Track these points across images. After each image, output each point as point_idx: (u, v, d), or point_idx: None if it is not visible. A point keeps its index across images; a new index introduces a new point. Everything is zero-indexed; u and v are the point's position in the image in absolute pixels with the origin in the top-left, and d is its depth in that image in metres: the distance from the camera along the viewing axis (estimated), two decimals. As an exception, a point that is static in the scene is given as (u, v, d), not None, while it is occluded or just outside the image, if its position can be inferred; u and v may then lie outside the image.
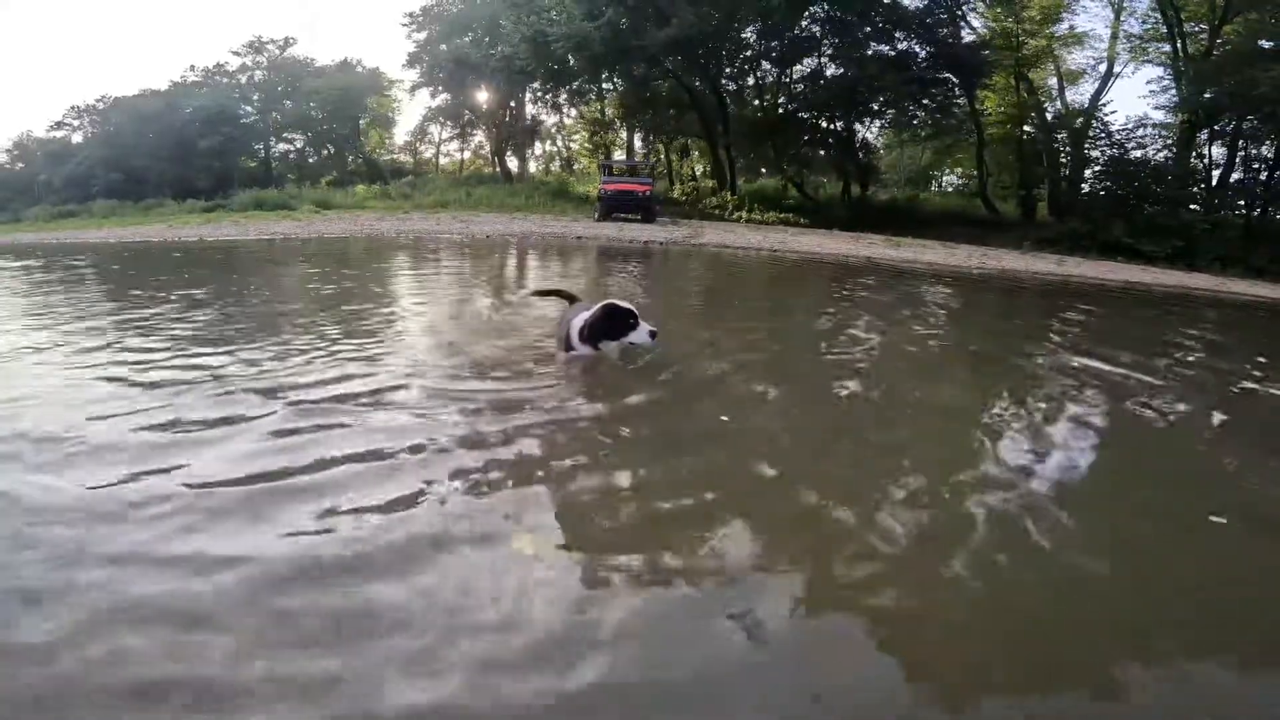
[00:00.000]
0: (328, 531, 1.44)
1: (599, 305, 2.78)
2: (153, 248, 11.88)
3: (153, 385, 2.47)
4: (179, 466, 1.72)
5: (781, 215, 20.09)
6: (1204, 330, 6.35)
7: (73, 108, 31.31)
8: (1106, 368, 3.58)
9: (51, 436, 1.89)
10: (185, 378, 2.59)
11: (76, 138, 30.84)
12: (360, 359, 2.91)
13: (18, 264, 7.97)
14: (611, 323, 2.73)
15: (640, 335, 2.72)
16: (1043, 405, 2.78)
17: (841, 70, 19.94)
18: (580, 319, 2.79)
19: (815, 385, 2.92)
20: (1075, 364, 3.66)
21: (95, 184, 26.78)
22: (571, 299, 3.40)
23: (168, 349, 3.09)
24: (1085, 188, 21.29)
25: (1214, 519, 1.74)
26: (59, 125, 31.08)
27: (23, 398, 2.28)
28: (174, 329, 3.58)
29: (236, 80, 30.94)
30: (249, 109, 29.98)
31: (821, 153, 22.68)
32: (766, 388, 2.74)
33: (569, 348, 2.82)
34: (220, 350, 3.05)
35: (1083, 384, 3.20)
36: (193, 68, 30.91)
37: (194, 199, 23.97)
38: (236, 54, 31.16)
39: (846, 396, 2.73)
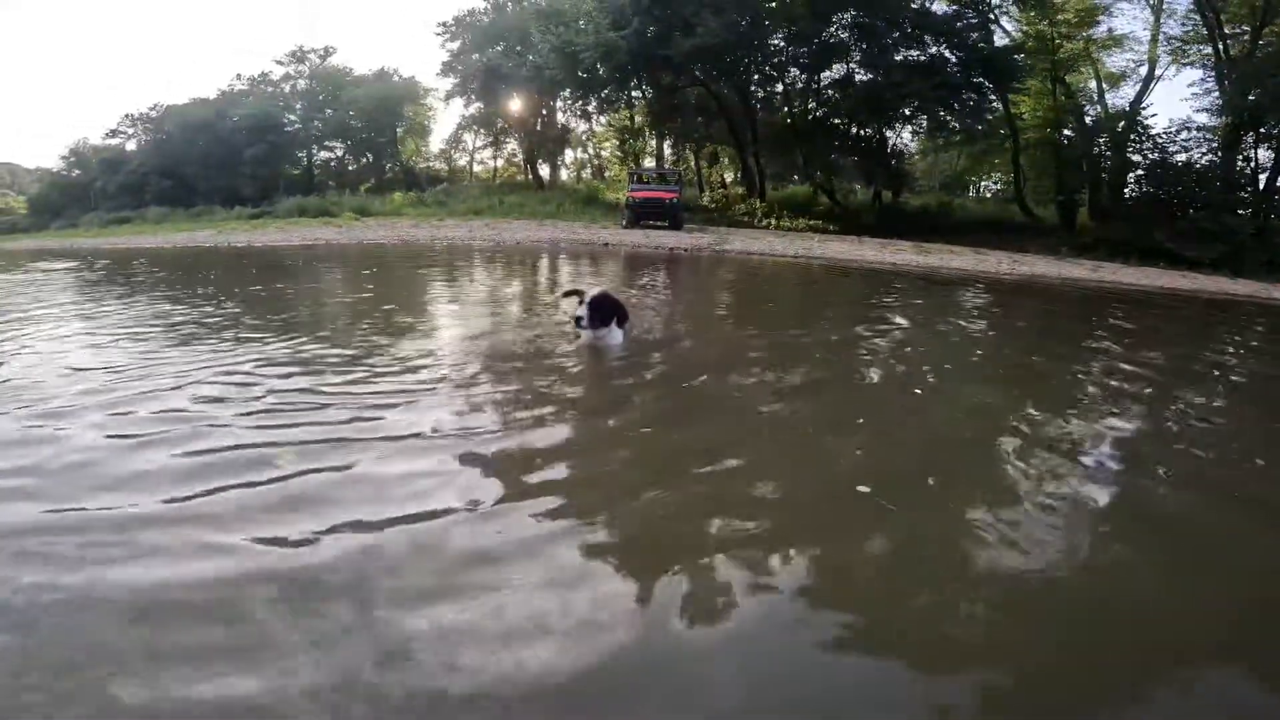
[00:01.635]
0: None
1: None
2: (205, 252, 13.38)
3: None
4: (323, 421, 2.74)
5: (811, 222, 20.86)
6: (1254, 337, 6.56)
7: (127, 116, 34.04)
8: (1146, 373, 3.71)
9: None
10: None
11: (130, 145, 33.56)
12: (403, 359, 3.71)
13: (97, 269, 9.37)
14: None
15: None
16: (1080, 416, 2.96)
17: (870, 76, 20.66)
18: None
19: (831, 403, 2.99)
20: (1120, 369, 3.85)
21: (148, 191, 29.11)
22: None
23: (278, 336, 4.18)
24: (1127, 193, 21.51)
25: None
26: (114, 133, 33.92)
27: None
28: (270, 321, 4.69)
29: (280, 89, 33.31)
30: (292, 117, 32.21)
31: (852, 159, 23.37)
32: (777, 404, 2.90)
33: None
34: (338, 335, 4.12)
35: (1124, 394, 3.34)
36: (239, 76, 33.51)
37: (240, 205, 25.98)
38: (280, 63, 33.69)
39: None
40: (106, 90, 78.11)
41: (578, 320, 3.48)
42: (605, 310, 3.54)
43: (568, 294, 4.28)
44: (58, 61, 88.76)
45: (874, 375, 3.47)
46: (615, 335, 3.65)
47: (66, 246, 19.48)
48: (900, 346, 4.32)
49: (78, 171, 33.89)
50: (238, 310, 5.11)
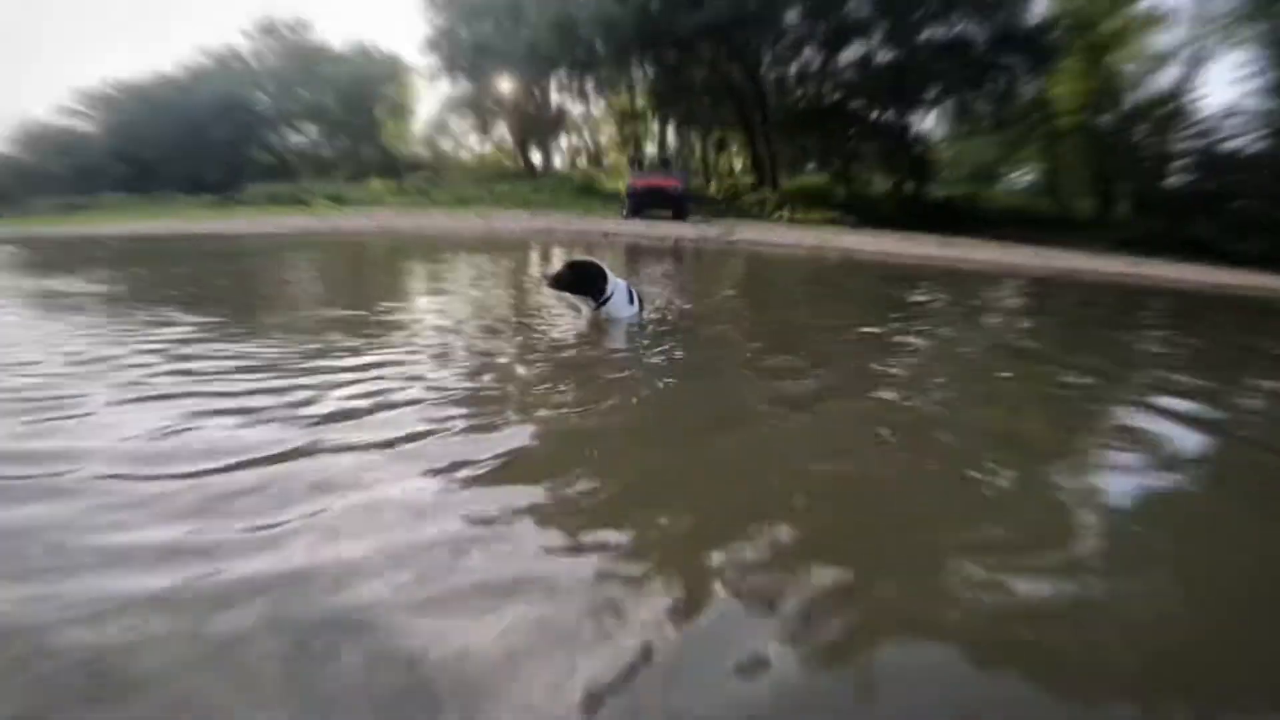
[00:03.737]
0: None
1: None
2: (169, 241, 12.89)
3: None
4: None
5: (827, 214, 20.52)
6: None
7: (81, 93, 33.28)
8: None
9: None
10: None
11: (88, 126, 32.85)
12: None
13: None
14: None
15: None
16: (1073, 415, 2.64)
17: (892, 56, 20.33)
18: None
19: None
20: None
21: (105, 176, 28.55)
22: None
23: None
24: (1170, 183, 21.30)
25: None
26: (67, 112, 33.16)
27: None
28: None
29: (249, 66, 32.73)
30: (262, 96, 31.68)
31: (872, 147, 23.04)
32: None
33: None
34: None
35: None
36: (204, 52, 32.85)
37: (206, 192, 25.46)
38: (248, 36, 33.06)
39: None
40: (54, 63, 76.95)
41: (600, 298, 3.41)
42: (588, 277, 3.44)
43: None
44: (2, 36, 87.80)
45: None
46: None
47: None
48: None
49: (28, 155, 33.22)
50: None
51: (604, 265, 3.47)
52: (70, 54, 76.52)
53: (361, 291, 5.80)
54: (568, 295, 3.54)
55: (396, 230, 15.55)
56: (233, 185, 26.23)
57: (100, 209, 25.67)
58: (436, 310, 4.15)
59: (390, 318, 3.80)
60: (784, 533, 1.49)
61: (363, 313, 3.88)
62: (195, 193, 26.04)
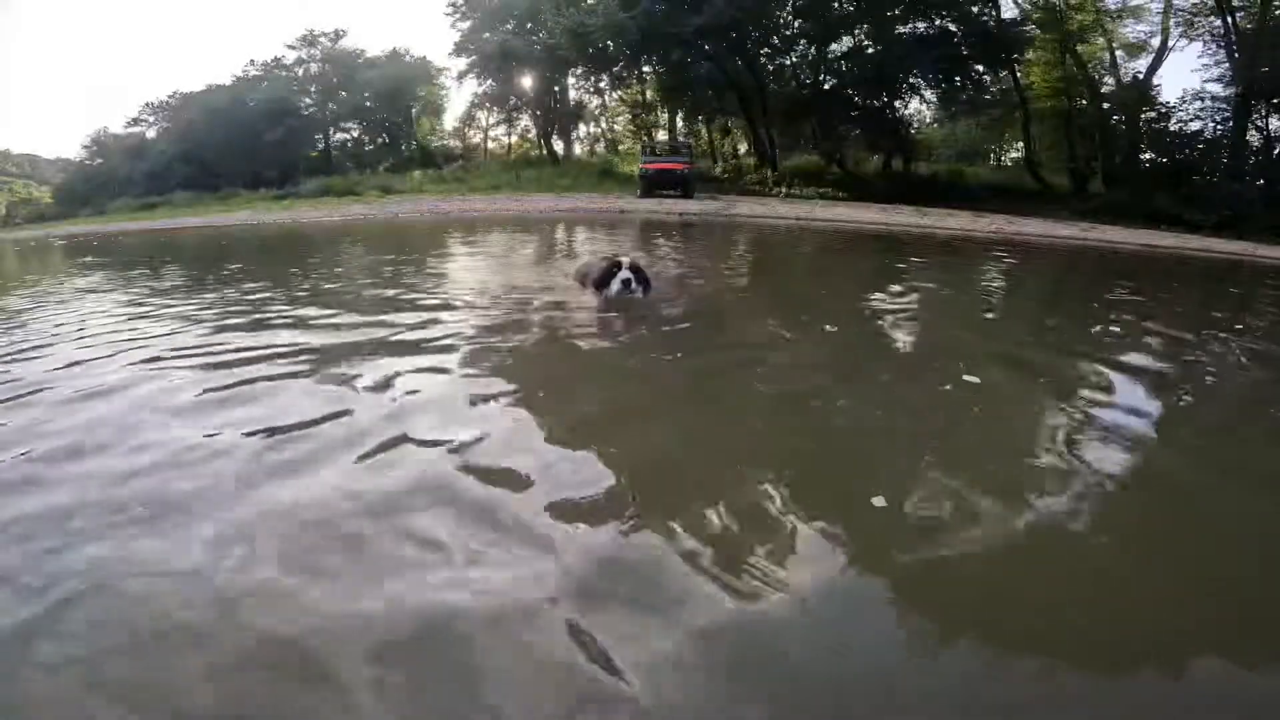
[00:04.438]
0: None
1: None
2: (272, 229, 15.87)
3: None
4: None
5: (821, 190, 23.04)
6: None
7: (147, 104, 37.14)
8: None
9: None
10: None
11: (151, 133, 36.64)
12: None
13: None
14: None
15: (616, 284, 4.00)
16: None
17: (877, 48, 22.79)
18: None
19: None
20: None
21: (173, 177, 32.08)
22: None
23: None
24: (1142, 159, 23.40)
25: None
26: (135, 121, 37.04)
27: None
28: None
29: (294, 73, 36.11)
30: (308, 100, 35.05)
31: (858, 131, 25.49)
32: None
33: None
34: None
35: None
36: (253, 62, 36.37)
37: (264, 189, 28.78)
38: (292, 47, 36.47)
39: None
40: (122, 80, 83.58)
41: (626, 284, 3.98)
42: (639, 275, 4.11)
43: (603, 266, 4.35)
44: (69, 54, 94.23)
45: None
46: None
47: (137, 228, 22.13)
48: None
49: (100, 160, 37.02)
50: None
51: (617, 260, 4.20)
52: (134, 69, 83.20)
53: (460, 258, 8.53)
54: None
55: (444, 213, 18.50)
56: (289, 181, 29.53)
57: (173, 206, 29.03)
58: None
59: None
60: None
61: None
62: (255, 188, 29.38)
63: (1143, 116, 22.84)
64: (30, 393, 2.38)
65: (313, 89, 35.47)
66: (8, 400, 2.32)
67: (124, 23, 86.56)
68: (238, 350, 2.95)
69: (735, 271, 6.88)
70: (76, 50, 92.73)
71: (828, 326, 3.71)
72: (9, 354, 3.05)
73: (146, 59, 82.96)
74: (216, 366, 2.71)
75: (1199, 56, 23.45)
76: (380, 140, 36.51)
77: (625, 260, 4.11)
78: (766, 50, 24.59)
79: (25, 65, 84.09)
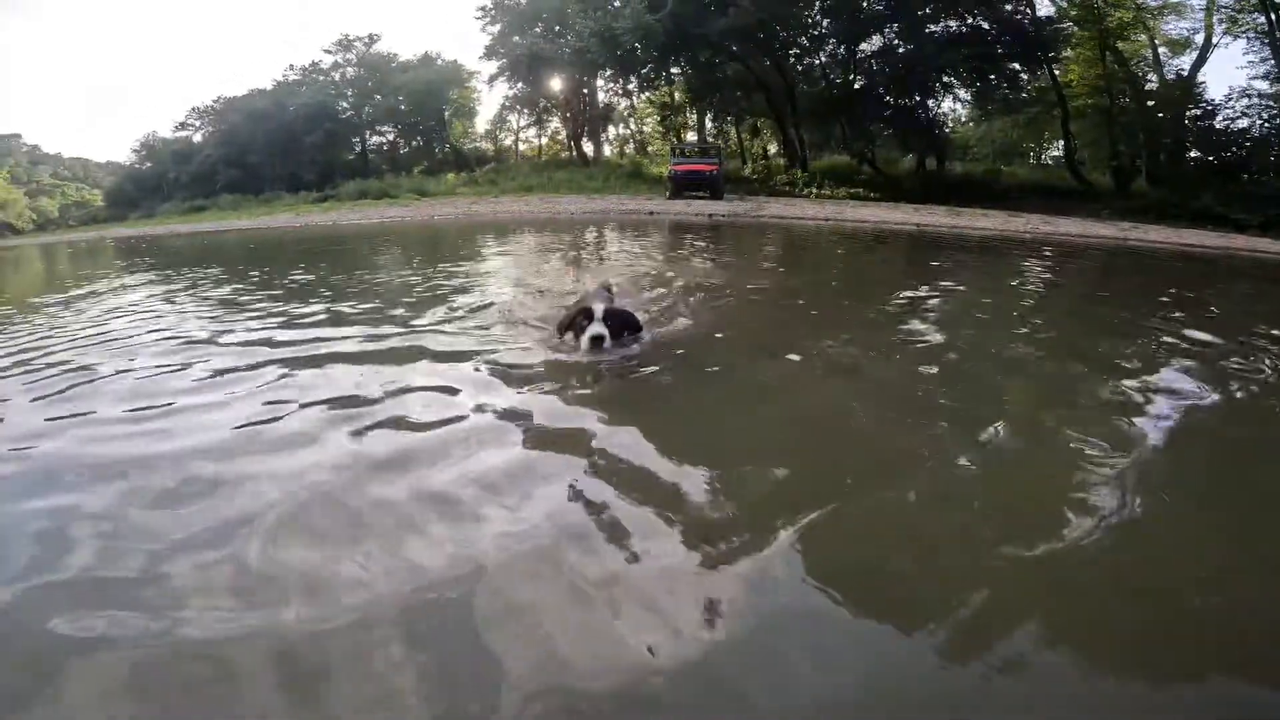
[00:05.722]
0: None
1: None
2: (322, 230, 16.73)
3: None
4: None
5: (852, 190, 23.18)
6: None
7: (194, 109, 38.98)
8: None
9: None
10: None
11: (197, 137, 38.42)
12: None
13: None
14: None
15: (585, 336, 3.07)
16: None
17: (908, 47, 22.86)
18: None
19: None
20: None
21: (218, 180, 33.63)
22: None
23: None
24: (1188, 157, 23.05)
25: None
26: (182, 126, 38.88)
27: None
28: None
29: (331, 78, 37.48)
30: (344, 104, 36.35)
31: (890, 131, 25.55)
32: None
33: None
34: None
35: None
36: (292, 66, 37.85)
37: (304, 190, 30.04)
38: (328, 52, 37.84)
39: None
40: (167, 84, 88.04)
41: (598, 341, 3.07)
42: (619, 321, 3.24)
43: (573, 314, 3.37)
44: (116, 60, 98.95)
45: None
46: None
47: (196, 229, 23.42)
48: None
49: (149, 164, 38.92)
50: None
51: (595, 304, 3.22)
52: (182, 73, 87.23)
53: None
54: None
55: (478, 215, 19.25)
56: (328, 183, 30.75)
57: (219, 209, 30.44)
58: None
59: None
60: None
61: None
62: (296, 191, 30.65)
63: (1188, 114, 22.51)
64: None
65: (349, 93, 36.76)
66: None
67: (169, 27, 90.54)
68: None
69: (780, 286, 6.21)
70: (121, 54, 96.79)
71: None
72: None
73: (191, 63, 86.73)
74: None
75: (1244, 54, 22.88)
76: (415, 143, 37.68)
77: (597, 307, 3.14)
78: (795, 50, 24.83)
79: (75, 70, 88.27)
